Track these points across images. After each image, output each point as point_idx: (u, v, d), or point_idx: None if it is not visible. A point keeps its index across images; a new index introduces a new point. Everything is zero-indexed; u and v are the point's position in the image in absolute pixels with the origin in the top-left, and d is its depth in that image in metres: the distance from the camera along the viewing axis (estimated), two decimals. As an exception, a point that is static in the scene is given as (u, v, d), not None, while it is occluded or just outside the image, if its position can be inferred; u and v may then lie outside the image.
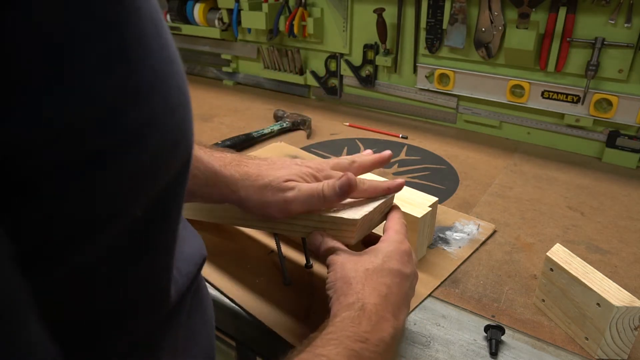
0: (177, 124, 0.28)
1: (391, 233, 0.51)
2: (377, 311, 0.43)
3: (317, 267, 0.66)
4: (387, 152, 0.61)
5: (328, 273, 0.49)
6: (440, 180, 0.96)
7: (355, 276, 0.46)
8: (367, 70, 1.32)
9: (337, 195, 0.51)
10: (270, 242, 0.73)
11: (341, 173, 0.54)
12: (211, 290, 0.64)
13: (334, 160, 0.61)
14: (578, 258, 0.58)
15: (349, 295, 0.44)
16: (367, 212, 0.52)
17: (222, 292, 0.64)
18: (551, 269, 0.59)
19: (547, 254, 0.59)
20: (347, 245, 0.52)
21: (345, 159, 0.61)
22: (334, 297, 0.46)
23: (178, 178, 0.31)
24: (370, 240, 0.55)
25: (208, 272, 0.67)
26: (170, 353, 0.39)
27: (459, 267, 0.69)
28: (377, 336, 0.41)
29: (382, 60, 1.27)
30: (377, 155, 0.62)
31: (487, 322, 0.59)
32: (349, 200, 0.56)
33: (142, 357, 0.36)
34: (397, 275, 0.47)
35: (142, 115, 0.25)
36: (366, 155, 0.62)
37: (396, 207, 0.58)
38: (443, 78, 1.20)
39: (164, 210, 0.31)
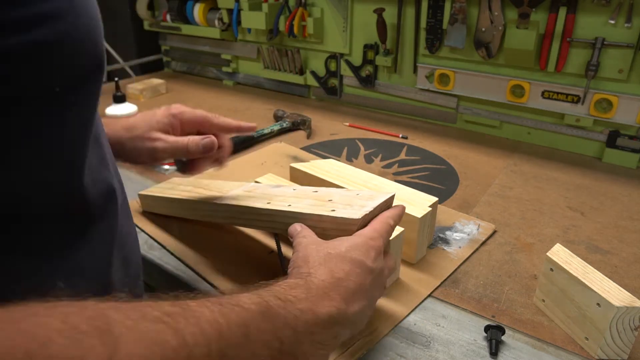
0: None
1: (367, 229, 0.51)
2: (323, 287, 0.42)
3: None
4: (251, 125, 0.69)
5: (292, 255, 0.49)
6: (440, 180, 0.96)
7: (315, 256, 0.46)
8: (367, 70, 1.32)
9: (200, 152, 0.62)
10: (270, 242, 0.73)
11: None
12: (211, 290, 0.64)
13: (198, 112, 0.68)
14: (578, 258, 0.58)
15: (302, 268, 0.45)
16: (367, 212, 0.52)
17: (222, 292, 0.64)
18: (551, 269, 0.59)
19: (547, 254, 0.59)
20: None
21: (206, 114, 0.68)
22: (290, 273, 0.46)
23: (90, 76, 0.37)
24: None
25: (208, 272, 0.67)
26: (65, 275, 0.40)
27: (459, 267, 0.69)
28: (307, 305, 0.39)
29: (382, 60, 1.27)
30: (238, 123, 0.69)
31: (487, 322, 0.59)
32: (346, 197, 0.56)
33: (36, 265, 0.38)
34: (359, 265, 0.45)
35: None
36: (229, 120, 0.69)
37: (394, 208, 0.57)
38: (443, 78, 1.20)
39: (78, 101, 0.37)
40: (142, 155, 0.63)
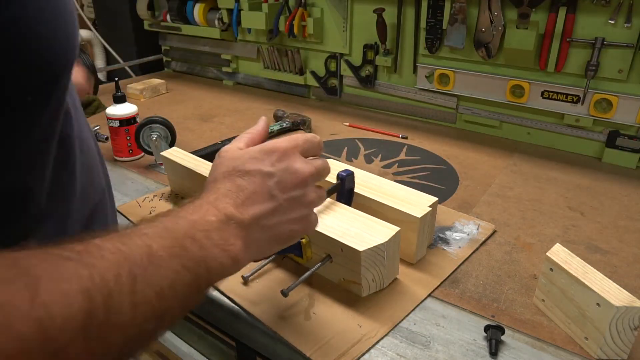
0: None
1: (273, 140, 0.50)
2: (215, 198, 0.44)
3: (319, 268, 0.65)
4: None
5: None
6: (440, 180, 0.96)
7: (220, 172, 0.47)
8: (367, 70, 1.32)
9: None
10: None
11: None
12: (211, 290, 0.64)
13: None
14: (578, 258, 0.58)
15: (208, 186, 0.46)
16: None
17: (222, 292, 0.64)
18: (551, 269, 0.59)
19: (547, 254, 0.59)
20: None
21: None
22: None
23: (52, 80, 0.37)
24: None
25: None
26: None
27: (458, 267, 0.69)
28: (200, 215, 0.41)
29: (382, 60, 1.27)
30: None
31: (487, 322, 0.59)
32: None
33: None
34: (254, 173, 0.46)
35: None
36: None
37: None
38: (443, 78, 1.20)
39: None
40: None
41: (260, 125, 0.54)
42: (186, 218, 0.41)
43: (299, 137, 0.50)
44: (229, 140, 1.09)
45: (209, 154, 0.97)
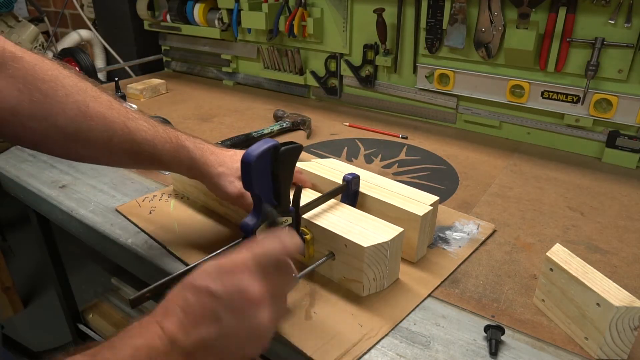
0: None
1: (240, 251, 0.45)
2: (159, 317, 0.42)
3: (320, 267, 0.66)
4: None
5: None
6: (440, 180, 0.96)
7: (175, 290, 0.44)
8: (367, 70, 1.32)
9: None
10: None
11: None
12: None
13: None
14: (578, 258, 0.58)
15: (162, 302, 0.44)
16: None
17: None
18: (551, 269, 0.59)
19: (547, 254, 0.59)
20: None
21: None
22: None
23: None
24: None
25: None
26: None
27: (458, 266, 0.70)
28: (142, 342, 0.40)
29: (382, 60, 1.27)
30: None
31: (487, 322, 0.59)
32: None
33: None
34: (202, 292, 0.42)
35: None
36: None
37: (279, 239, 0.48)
38: (443, 78, 1.20)
39: None
40: (216, 189, 0.68)
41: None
42: (130, 345, 0.40)
43: (259, 247, 0.45)
44: (229, 140, 1.09)
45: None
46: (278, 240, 0.46)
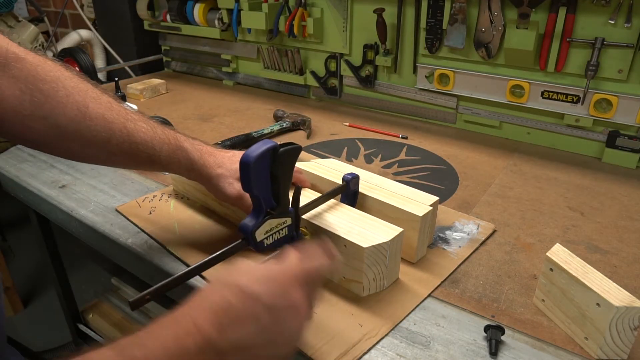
0: None
1: (290, 259, 0.46)
2: (196, 314, 0.41)
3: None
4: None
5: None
6: (440, 180, 0.96)
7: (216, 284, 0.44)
8: (367, 70, 1.32)
9: None
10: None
11: None
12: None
13: None
14: (578, 258, 0.58)
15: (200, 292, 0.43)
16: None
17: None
18: (551, 269, 0.59)
19: (547, 254, 0.59)
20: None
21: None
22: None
23: None
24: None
25: (209, 272, 0.67)
26: None
27: (458, 266, 0.70)
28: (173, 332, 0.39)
29: (382, 60, 1.27)
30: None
31: (487, 322, 0.59)
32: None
33: None
34: (251, 297, 0.42)
35: None
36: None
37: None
38: (443, 78, 1.20)
39: None
40: (215, 190, 0.69)
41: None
42: (161, 343, 0.38)
43: (310, 262, 0.47)
44: (229, 140, 1.09)
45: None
46: (324, 258, 0.48)
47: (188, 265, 0.69)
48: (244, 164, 0.54)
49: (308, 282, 0.46)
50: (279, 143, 0.57)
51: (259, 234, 0.58)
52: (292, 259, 0.46)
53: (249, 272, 0.44)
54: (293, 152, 0.58)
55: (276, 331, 0.43)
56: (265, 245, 0.59)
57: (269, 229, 0.59)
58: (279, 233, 0.61)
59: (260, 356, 0.43)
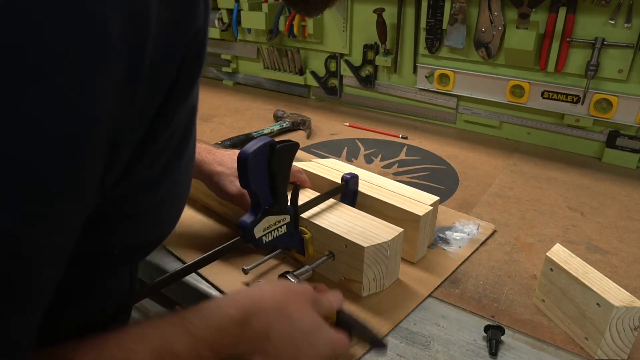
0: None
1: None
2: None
3: (320, 267, 0.66)
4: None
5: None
6: (440, 181, 0.96)
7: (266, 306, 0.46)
8: (367, 70, 1.32)
9: None
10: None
11: None
12: (212, 290, 0.65)
13: None
14: (578, 258, 0.58)
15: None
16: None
17: (221, 291, 0.64)
18: (551, 269, 0.59)
19: (547, 254, 0.59)
20: None
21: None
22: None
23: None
24: None
25: (209, 272, 0.67)
26: None
27: (459, 267, 0.69)
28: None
29: (382, 61, 1.27)
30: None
31: (487, 322, 0.59)
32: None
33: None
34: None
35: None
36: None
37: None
38: (443, 78, 1.20)
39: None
40: (216, 188, 0.70)
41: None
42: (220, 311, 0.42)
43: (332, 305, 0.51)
44: (229, 140, 1.09)
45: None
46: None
47: (185, 263, 0.69)
48: (241, 158, 0.55)
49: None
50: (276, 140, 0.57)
51: (258, 231, 0.58)
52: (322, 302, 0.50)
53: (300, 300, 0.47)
54: (290, 149, 0.58)
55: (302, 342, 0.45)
56: (264, 242, 0.59)
57: (267, 225, 0.59)
58: (278, 230, 0.61)
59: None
